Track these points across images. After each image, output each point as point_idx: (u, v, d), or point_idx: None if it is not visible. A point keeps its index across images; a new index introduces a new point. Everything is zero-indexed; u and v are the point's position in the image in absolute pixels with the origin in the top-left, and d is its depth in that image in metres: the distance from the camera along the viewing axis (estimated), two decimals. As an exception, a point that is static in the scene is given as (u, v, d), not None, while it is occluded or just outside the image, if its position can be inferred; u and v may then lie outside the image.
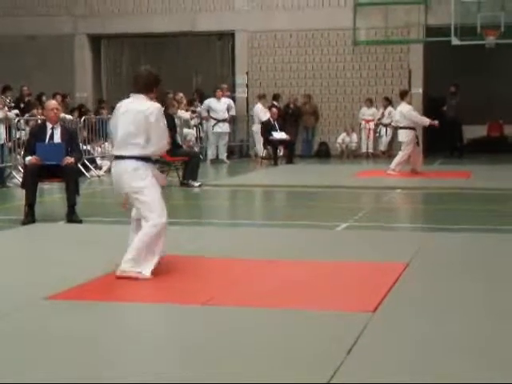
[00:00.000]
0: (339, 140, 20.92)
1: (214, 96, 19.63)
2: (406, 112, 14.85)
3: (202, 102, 19.94)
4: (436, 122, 15.39)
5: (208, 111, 19.55)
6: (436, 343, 4.33)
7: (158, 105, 6.40)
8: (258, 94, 20.25)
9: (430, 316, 4.93)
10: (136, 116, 6.24)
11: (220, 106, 19.56)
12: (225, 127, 19.67)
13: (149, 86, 6.35)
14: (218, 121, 19.53)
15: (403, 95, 15.27)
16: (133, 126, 6.23)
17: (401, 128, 15.10)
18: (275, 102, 20.01)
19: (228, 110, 19.77)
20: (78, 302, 5.35)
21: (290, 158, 18.41)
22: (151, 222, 6.16)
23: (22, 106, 16.36)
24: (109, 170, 16.15)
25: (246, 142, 21.54)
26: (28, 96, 17.39)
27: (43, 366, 3.99)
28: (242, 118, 21.31)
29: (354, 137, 20.97)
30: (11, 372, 3.88)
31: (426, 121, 15.31)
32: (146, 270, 6.08)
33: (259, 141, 19.28)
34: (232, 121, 20.39)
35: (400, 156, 14.93)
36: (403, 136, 15.01)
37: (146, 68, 6.55)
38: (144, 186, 6.23)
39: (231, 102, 20.13)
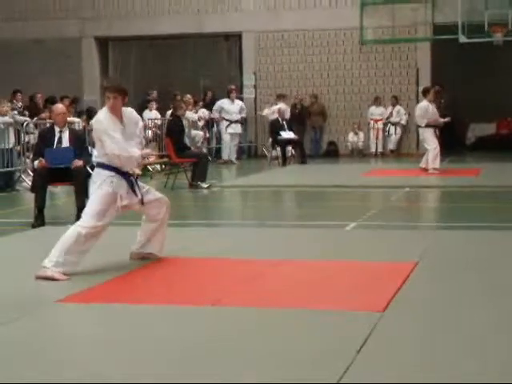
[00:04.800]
0: (350, 139, 20.91)
1: (228, 97, 19.64)
2: (421, 108, 14.78)
3: (213, 104, 19.93)
4: (447, 119, 15.34)
5: (220, 112, 19.57)
6: (446, 343, 4.30)
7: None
8: (279, 94, 20.27)
9: (439, 316, 4.91)
10: None
11: (233, 107, 19.59)
12: (237, 128, 19.74)
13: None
14: (231, 122, 19.55)
15: (425, 93, 15.15)
16: None
17: (420, 126, 15.08)
18: (279, 103, 19.97)
19: (240, 111, 19.79)
20: (88, 304, 5.35)
21: (302, 159, 18.25)
22: None
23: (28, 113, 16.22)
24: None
25: (255, 143, 21.55)
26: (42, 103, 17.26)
27: (54, 369, 3.98)
28: (251, 118, 21.30)
29: (362, 136, 20.94)
30: (25, 377, 3.87)
31: (441, 121, 15.17)
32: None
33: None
34: (244, 122, 20.42)
35: (431, 153, 14.78)
36: (423, 134, 15.00)
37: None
38: None
39: (242, 103, 20.16)
